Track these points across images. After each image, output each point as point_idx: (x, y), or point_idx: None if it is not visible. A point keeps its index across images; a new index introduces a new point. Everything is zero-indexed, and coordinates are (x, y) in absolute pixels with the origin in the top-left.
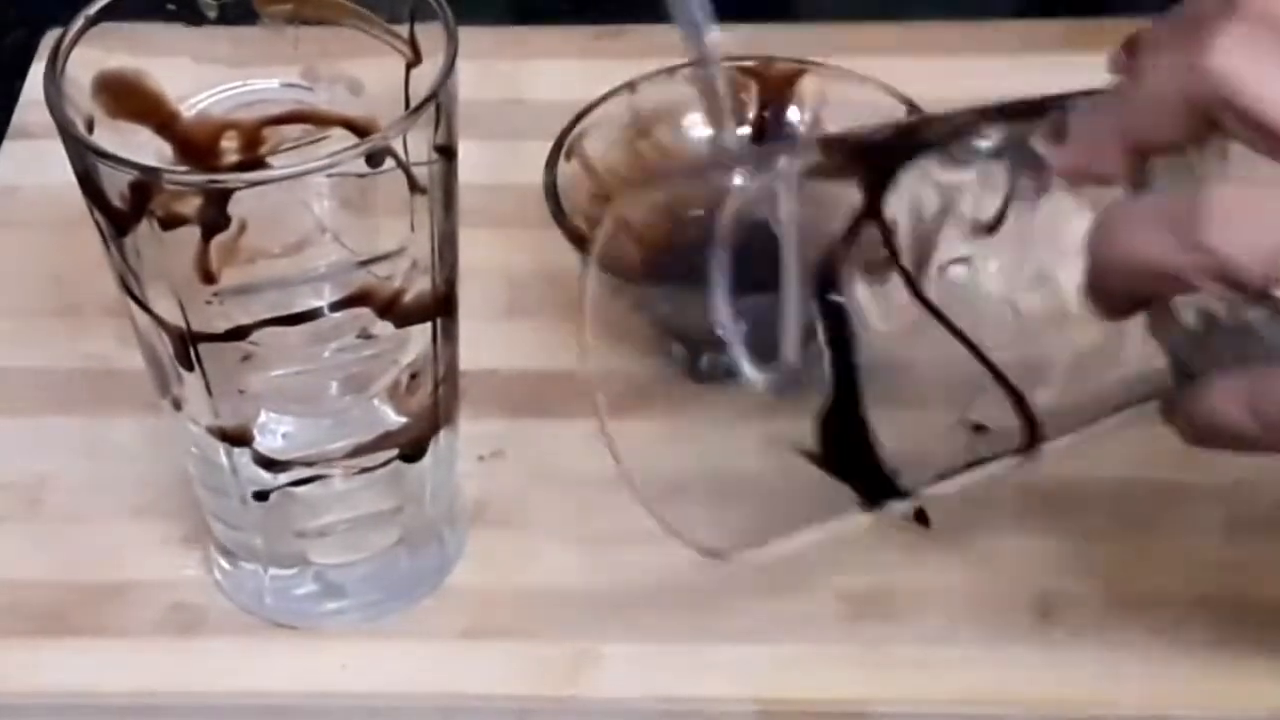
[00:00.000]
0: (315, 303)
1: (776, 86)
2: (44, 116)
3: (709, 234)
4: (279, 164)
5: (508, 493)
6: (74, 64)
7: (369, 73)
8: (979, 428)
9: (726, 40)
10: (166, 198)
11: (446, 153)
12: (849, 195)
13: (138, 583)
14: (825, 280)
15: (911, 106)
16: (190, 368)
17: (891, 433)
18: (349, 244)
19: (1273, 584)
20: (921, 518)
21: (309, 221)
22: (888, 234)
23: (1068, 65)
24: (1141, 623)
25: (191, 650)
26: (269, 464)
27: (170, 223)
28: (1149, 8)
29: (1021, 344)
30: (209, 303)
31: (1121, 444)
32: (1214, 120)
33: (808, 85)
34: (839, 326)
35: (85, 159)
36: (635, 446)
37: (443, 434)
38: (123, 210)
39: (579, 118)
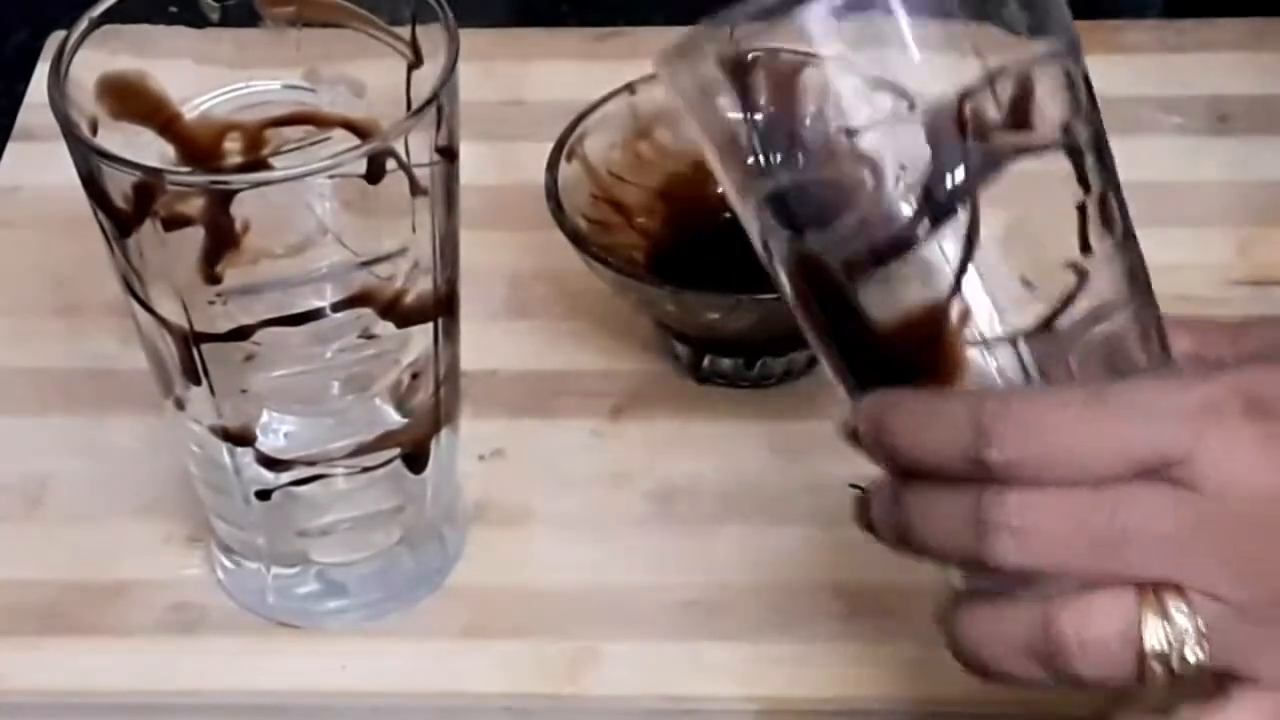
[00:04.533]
0: (317, 303)
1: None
2: (48, 118)
3: None
4: (281, 165)
5: (508, 493)
6: (78, 66)
7: (371, 74)
8: None
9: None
10: (169, 199)
11: (448, 154)
12: None
13: (139, 582)
14: None
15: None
16: (195, 378)
17: None
18: (351, 245)
19: None
20: None
21: (311, 222)
22: None
23: None
24: None
25: (193, 649)
26: (271, 463)
27: (173, 223)
28: (1140, 12)
29: None
30: (212, 303)
31: None
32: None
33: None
34: None
35: (89, 160)
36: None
37: (443, 434)
38: (126, 211)
39: (579, 119)
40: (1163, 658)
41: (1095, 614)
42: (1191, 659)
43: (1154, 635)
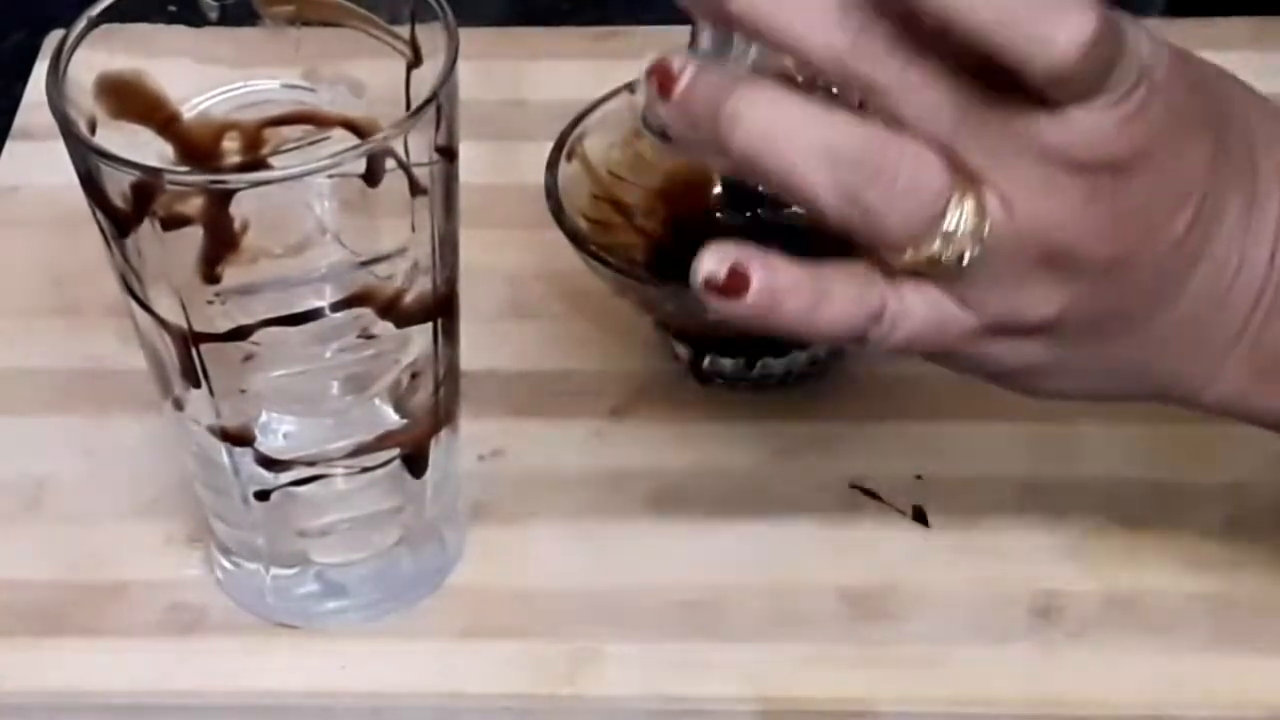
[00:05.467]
0: (316, 303)
1: None
2: (46, 117)
3: None
4: (280, 165)
5: (508, 493)
6: (76, 65)
7: (370, 73)
8: None
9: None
10: (168, 198)
11: (447, 153)
12: None
13: (138, 582)
14: None
15: None
16: (194, 379)
17: None
18: (350, 244)
19: (1272, 584)
20: (921, 517)
21: (310, 222)
22: None
23: None
24: (1140, 622)
25: (192, 650)
26: (270, 463)
27: (172, 223)
28: (1140, 12)
29: None
30: (210, 303)
31: (1121, 444)
32: None
33: None
34: None
35: (87, 160)
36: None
37: (443, 434)
38: (124, 211)
39: (579, 118)
40: (950, 238)
41: (926, 160)
42: (968, 254)
43: (956, 216)
